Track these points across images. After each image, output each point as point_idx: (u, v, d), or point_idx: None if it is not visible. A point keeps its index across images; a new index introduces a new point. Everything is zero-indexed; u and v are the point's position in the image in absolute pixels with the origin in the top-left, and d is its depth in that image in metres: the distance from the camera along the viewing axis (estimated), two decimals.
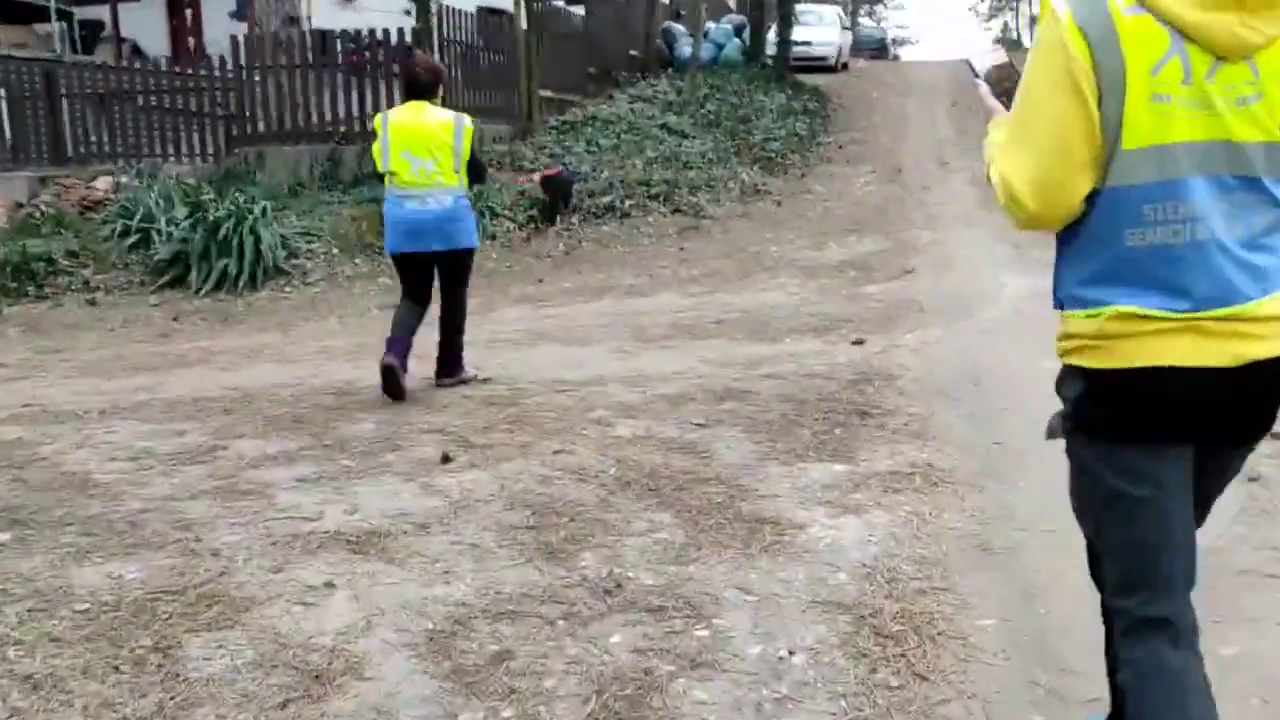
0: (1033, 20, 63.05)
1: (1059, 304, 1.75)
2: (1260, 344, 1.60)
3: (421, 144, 5.07)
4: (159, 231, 9.78)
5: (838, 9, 29.46)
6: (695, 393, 4.99)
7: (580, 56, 18.96)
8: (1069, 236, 1.70)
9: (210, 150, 13.72)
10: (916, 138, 15.50)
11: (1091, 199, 1.63)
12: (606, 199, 11.61)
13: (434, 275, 5.24)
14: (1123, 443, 1.69)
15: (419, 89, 5.17)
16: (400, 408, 4.88)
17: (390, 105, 13.30)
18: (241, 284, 9.46)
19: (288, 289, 9.44)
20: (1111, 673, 1.89)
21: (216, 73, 13.64)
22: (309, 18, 20.68)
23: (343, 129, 13.32)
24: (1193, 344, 1.60)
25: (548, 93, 16.89)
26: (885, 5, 75.24)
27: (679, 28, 23.88)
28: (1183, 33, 1.55)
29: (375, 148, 5.16)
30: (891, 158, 13.96)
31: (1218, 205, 1.59)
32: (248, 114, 13.71)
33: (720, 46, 22.46)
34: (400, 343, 5.07)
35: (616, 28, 20.82)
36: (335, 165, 13.10)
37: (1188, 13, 1.54)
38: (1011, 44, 70.36)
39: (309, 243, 10.35)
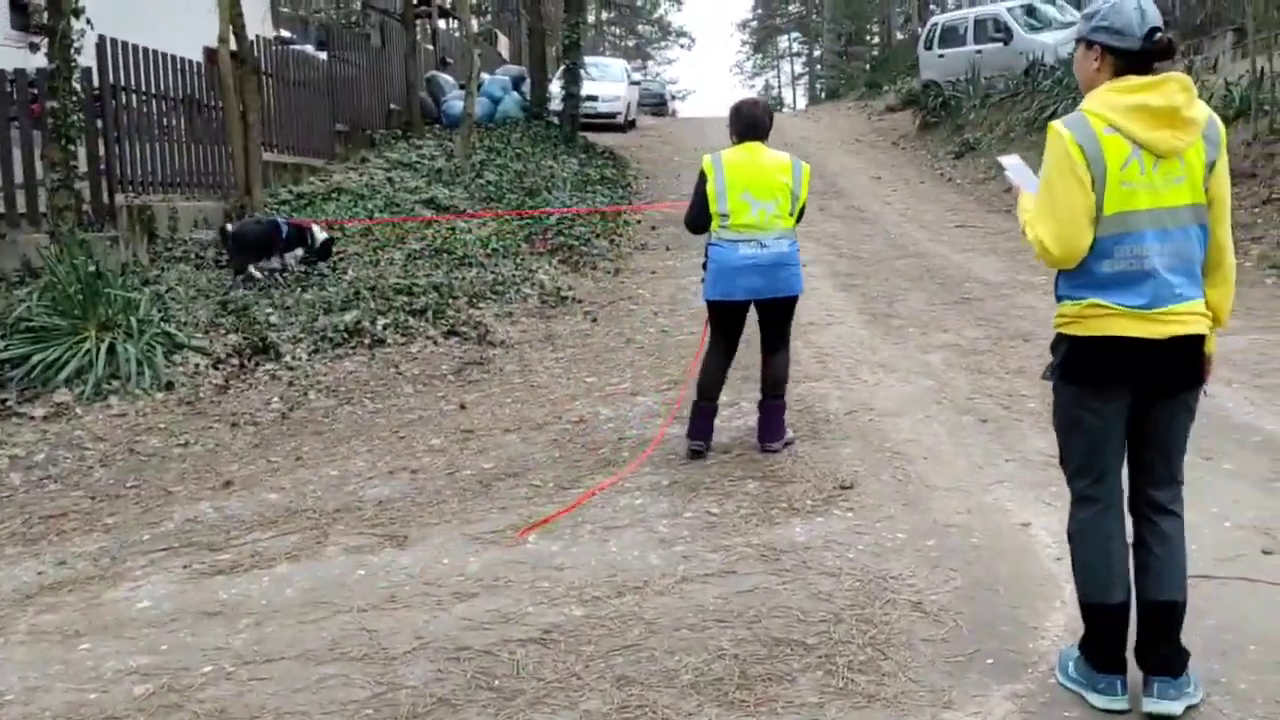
0: (794, 78, 66.76)
1: (1059, 299, 2.85)
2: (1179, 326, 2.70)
3: (763, 186, 4.95)
4: None
5: (624, 63, 27.07)
6: None
7: (326, 111, 15.32)
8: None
9: None
10: None
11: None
12: (349, 317, 8.12)
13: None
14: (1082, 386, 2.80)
15: (758, 130, 5.06)
16: None
17: (29, 172, 9.32)
18: None
19: None
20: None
21: None
22: None
23: None
24: (1134, 324, 2.70)
25: (280, 156, 13.20)
26: (656, 61, 74.85)
27: (447, 78, 20.57)
28: (1138, 143, 2.68)
29: (709, 189, 4.98)
30: None
31: (1161, 247, 2.70)
32: None
33: (496, 101, 19.38)
34: (710, 416, 5.17)
35: (372, 77, 17.29)
36: None
37: (1141, 132, 2.67)
38: (773, 103, 71.54)
39: None
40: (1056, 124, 2.76)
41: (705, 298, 5.16)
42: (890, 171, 16.59)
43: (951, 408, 5.64)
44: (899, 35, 44.84)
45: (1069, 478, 2.96)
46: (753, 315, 5.19)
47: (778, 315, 5.11)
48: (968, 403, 5.70)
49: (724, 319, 5.14)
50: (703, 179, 5.02)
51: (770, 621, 3.46)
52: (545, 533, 4.38)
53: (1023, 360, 6.37)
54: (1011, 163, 3.16)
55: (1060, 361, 2.85)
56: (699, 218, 5.09)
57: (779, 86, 79.14)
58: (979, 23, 19.73)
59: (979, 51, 19.10)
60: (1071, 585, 3.09)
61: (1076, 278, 2.77)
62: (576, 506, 4.64)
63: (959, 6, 30.14)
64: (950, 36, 20.36)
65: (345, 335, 7.82)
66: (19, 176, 9.23)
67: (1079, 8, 21.54)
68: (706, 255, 5.13)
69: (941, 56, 20.30)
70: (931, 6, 39.65)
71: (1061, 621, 3.33)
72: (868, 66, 41.45)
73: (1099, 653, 2.88)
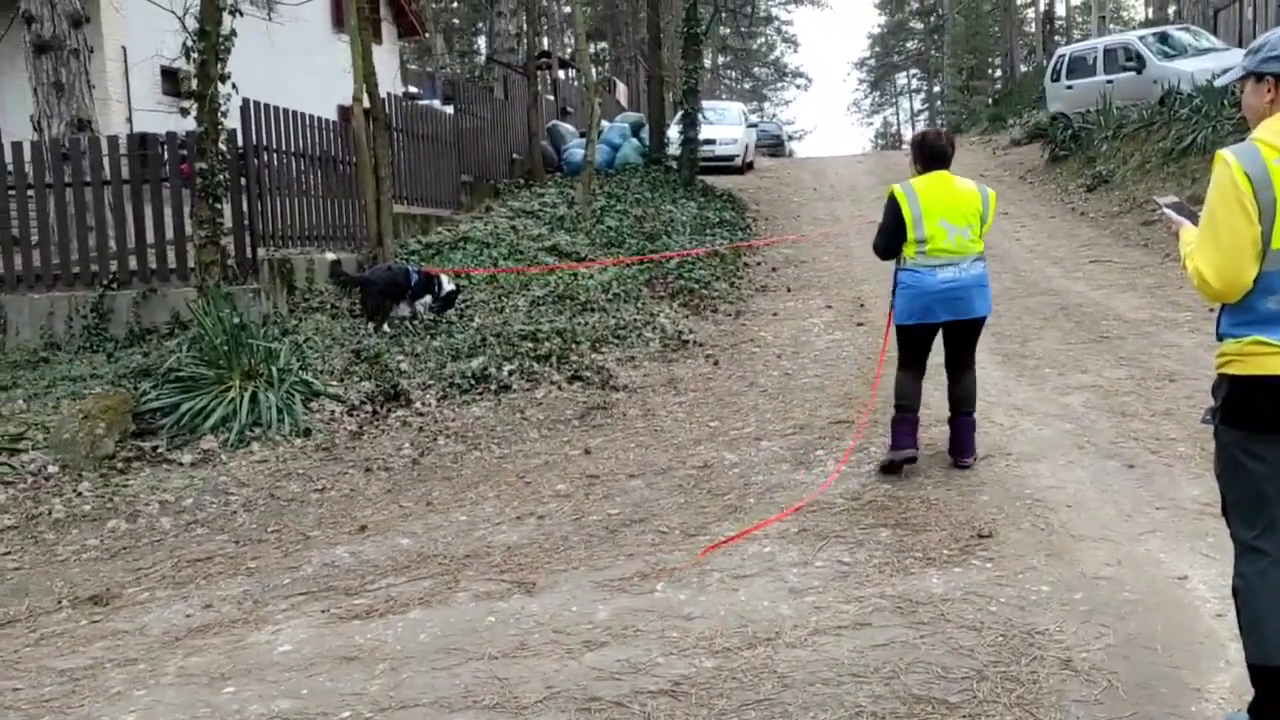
0: (914, 115, 66.31)
1: (1220, 336, 2.72)
2: None
3: (958, 211, 5.11)
4: None
5: (741, 105, 27.20)
6: None
7: (452, 162, 15.79)
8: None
9: None
10: (865, 254, 12.65)
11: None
12: (476, 363, 8.29)
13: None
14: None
15: (944, 160, 5.26)
16: None
17: (179, 229, 9.89)
18: None
19: None
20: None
21: None
22: (129, 119, 17.13)
23: (114, 267, 9.79)
24: None
25: (409, 207, 13.64)
26: (772, 102, 74.99)
27: (567, 127, 20.99)
28: None
29: (905, 214, 5.10)
30: (844, 284, 11.02)
31: None
32: None
33: (616, 148, 19.64)
34: (915, 427, 5.30)
35: (495, 128, 17.77)
36: (102, 318, 9.56)
37: None
38: (893, 140, 70.67)
39: (12, 454, 6.74)
40: (1224, 152, 2.65)
41: (898, 323, 5.31)
42: (1018, 207, 16.15)
43: (1094, 452, 5.40)
44: (1022, 68, 43.93)
45: (1233, 528, 2.79)
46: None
47: (968, 335, 5.28)
48: (1112, 447, 5.44)
49: (917, 341, 5.31)
50: (895, 206, 5.16)
51: (909, 677, 3.34)
52: (673, 581, 4.34)
53: (1170, 402, 6.07)
54: (1169, 200, 3.12)
55: (1221, 403, 2.73)
56: (891, 244, 5.25)
57: (898, 123, 78.24)
58: (1109, 52, 19.15)
59: (1110, 81, 18.52)
60: (1237, 644, 2.89)
61: (1240, 314, 2.66)
62: (759, 529, 4.78)
63: (1084, 38, 29.38)
64: (1079, 67, 19.81)
65: (472, 381, 7.97)
66: (169, 233, 9.79)
67: (1215, 32, 20.72)
68: (896, 281, 5.24)
69: (1070, 88, 19.76)
70: (1056, 38, 38.78)
71: (1227, 683, 3.12)
72: (990, 101, 40.65)
73: (1270, 718, 2.68)
